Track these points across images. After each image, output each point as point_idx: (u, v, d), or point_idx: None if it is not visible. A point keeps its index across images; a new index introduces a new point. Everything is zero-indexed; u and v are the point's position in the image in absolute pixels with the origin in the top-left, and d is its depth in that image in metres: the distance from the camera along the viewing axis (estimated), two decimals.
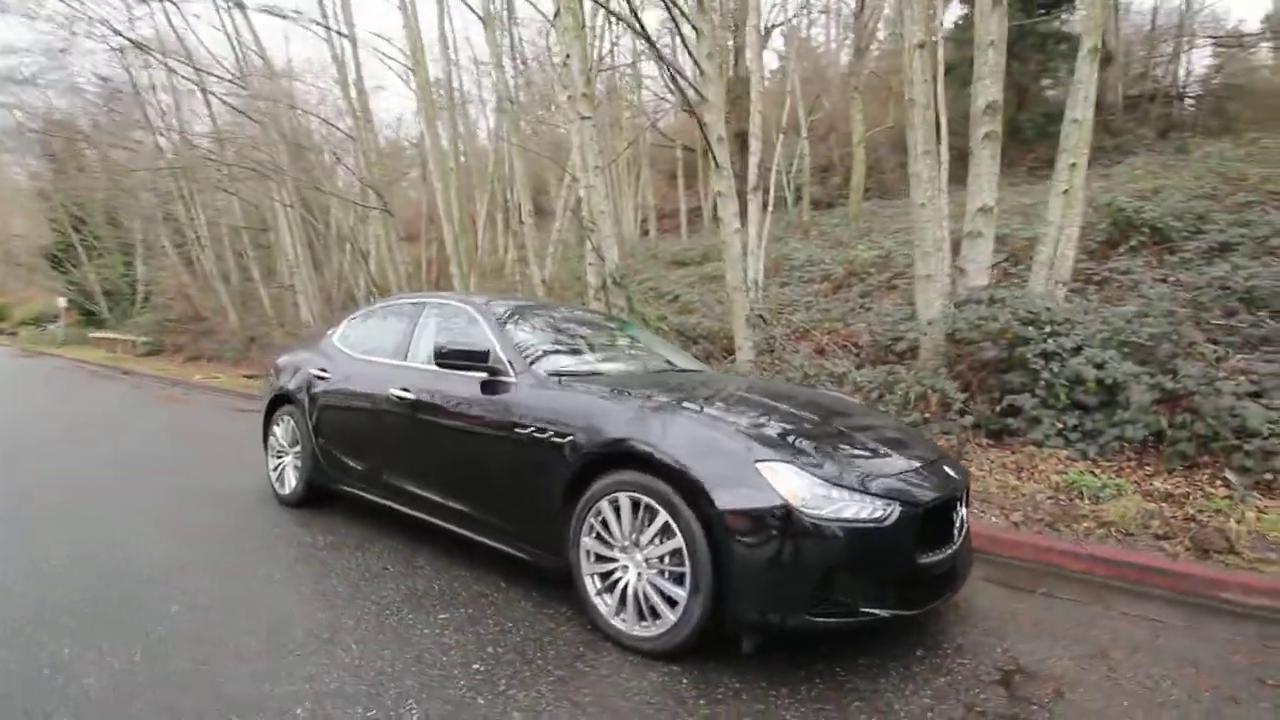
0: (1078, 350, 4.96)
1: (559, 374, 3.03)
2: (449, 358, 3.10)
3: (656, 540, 2.37)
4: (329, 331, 4.48)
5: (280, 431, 4.37)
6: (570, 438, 2.63)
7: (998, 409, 5.19)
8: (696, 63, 6.97)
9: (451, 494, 3.15)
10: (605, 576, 2.54)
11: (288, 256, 15.48)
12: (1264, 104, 20.55)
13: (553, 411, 2.75)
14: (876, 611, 2.21)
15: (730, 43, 21.06)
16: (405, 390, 3.43)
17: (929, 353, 6.38)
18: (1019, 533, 3.68)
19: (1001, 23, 5.99)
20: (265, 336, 15.64)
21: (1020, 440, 4.95)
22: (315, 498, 4.16)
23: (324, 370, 4.09)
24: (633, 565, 2.46)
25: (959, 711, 2.11)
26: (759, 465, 2.23)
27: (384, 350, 3.86)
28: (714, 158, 7.18)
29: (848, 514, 2.17)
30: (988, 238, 6.40)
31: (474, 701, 2.09)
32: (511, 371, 3.05)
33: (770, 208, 10.98)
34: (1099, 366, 4.69)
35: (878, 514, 2.20)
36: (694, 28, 6.95)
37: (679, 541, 2.29)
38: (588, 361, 3.41)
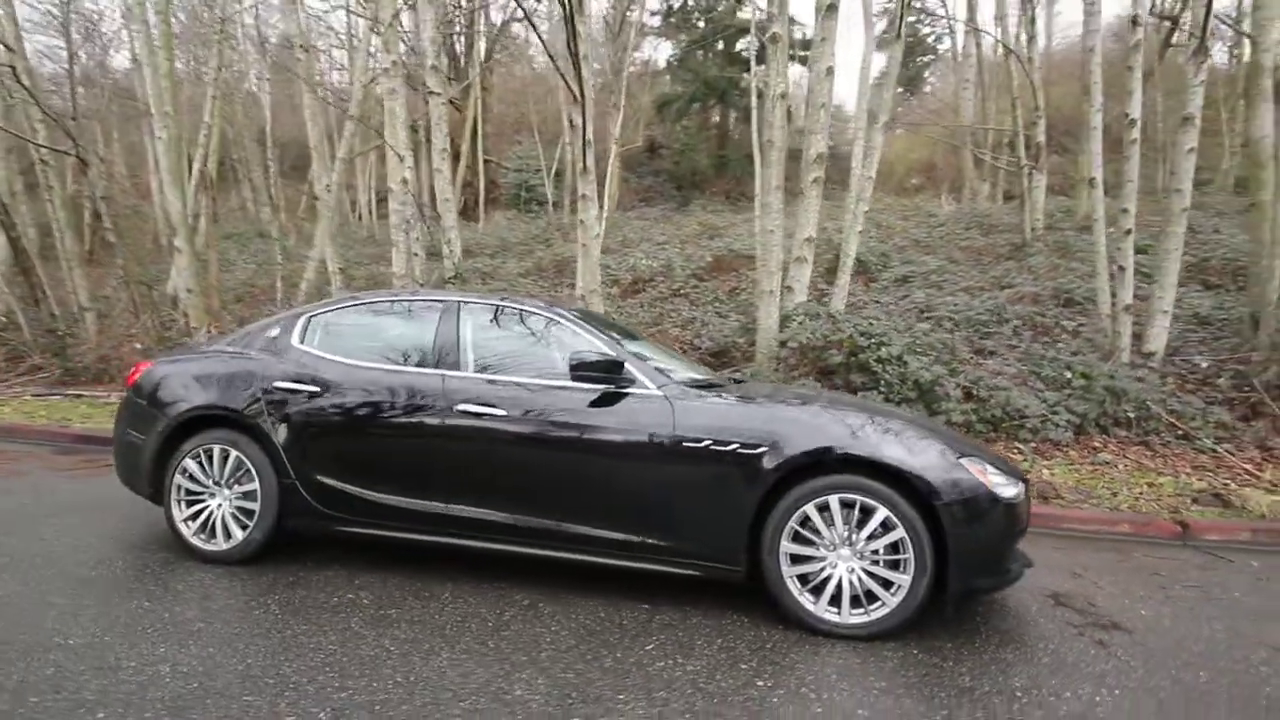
0: (900, 357, 6.47)
1: (694, 385, 3.04)
2: (585, 369, 2.86)
3: (872, 535, 2.65)
4: (269, 332, 3.47)
5: (197, 468, 3.27)
6: (763, 448, 2.72)
7: None
8: (575, 62, 6.94)
9: (577, 520, 2.89)
10: (804, 578, 2.71)
11: None
12: (840, 163, 27.91)
13: (735, 423, 2.80)
14: (1015, 568, 2.86)
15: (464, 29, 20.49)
16: (488, 406, 2.98)
17: (764, 357, 7.50)
18: None
19: (832, 89, 7.37)
20: None
21: None
22: (266, 549, 3.24)
23: (300, 382, 3.21)
24: (841, 561, 2.69)
25: (1058, 623, 2.89)
26: (962, 461, 2.69)
27: (410, 358, 3.23)
28: (583, 160, 7.23)
29: (1009, 493, 2.76)
30: (809, 262, 7.77)
31: (820, 714, 2.13)
32: (650, 384, 2.95)
33: (605, 211, 11.25)
34: (927, 369, 6.23)
35: (1018, 490, 2.84)
36: (571, 26, 6.90)
37: (900, 533, 2.62)
38: (672, 369, 3.40)
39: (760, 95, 22.18)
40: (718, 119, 24.98)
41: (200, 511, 3.27)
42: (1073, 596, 3.24)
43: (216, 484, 3.27)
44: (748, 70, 23.93)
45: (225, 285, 12.32)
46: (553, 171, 17.98)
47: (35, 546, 3.40)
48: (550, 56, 7.33)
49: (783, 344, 7.19)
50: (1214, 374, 6.47)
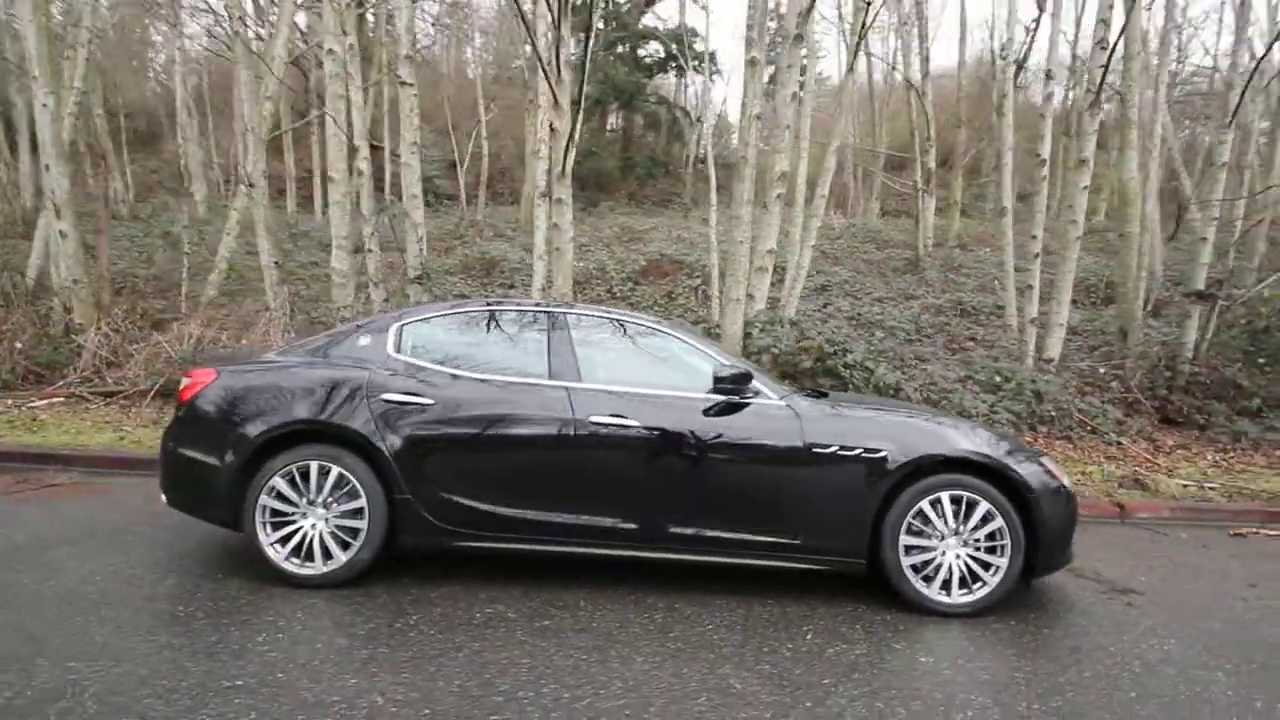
0: (863, 363, 7.14)
1: (815, 394, 3.33)
2: (724, 381, 3.04)
3: (976, 524, 3.06)
4: (358, 341, 3.29)
5: (288, 486, 3.05)
6: (884, 451, 3.06)
7: None
8: (558, 66, 6.92)
9: (712, 524, 3.07)
10: (915, 566, 3.07)
11: None
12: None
13: (857, 428, 3.12)
14: (1071, 550, 3.39)
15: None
16: (619, 416, 3.07)
17: None
18: None
19: (797, 112, 7.91)
20: None
21: None
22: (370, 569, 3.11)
23: (413, 394, 3.10)
24: (949, 549, 3.08)
25: (1090, 592, 3.48)
26: (1042, 460, 3.18)
27: (523, 369, 3.23)
28: (563, 165, 7.24)
29: (1067, 483, 3.30)
30: (769, 272, 8.29)
31: (987, 680, 2.48)
32: (773, 394, 3.19)
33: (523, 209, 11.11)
34: (890, 374, 6.93)
35: (1070, 482, 3.39)
36: (555, 24, 6.87)
37: (999, 522, 3.05)
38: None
39: (687, 114, 22.92)
40: (621, 122, 25.32)
41: (291, 534, 3.05)
42: (1084, 570, 3.86)
43: (310, 503, 3.06)
44: (650, 76, 24.52)
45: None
46: (464, 164, 17.40)
47: (77, 586, 2.99)
48: (540, 61, 7.26)
49: (760, 350, 7.62)
50: (1106, 377, 7.74)
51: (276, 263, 8.29)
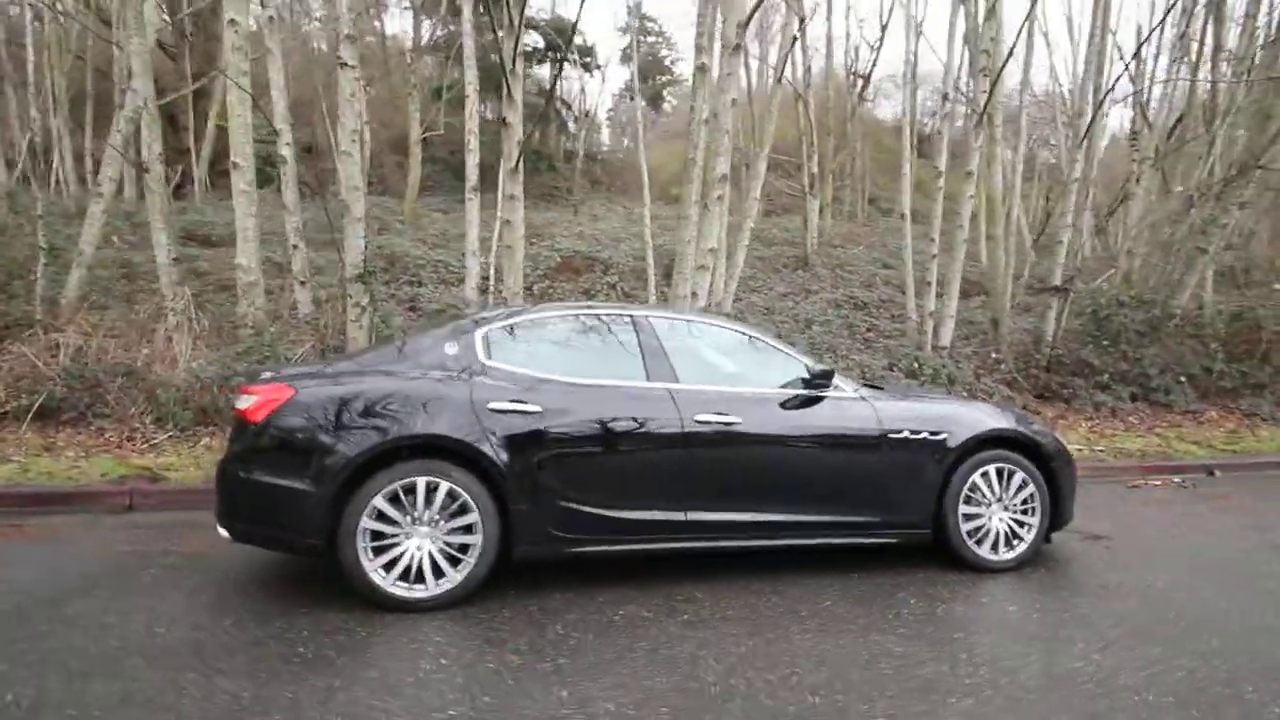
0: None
1: (869, 387, 3.69)
2: (817, 378, 3.31)
3: (1015, 491, 3.59)
4: (444, 349, 3.13)
5: (390, 506, 2.88)
6: (944, 434, 3.48)
7: None
8: (514, 59, 6.75)
9: (811, 509, 3.33)
10: (971, 532, 3.54)
11: None
12: (612, 170, 29.93)
13: (919, 414, 3.52)
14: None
15: None
16: (723, 414, 3.22)
17: None
18: None
19: (736, 118, 8.32)
20: None
21: None
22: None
23: (520, 402, 3.03)
24: (994, 514, 3.58)
25: (1073, 541, 4.16)
26: (1055, 432, 3.78)
27: (623, 373, 3.28)
28: (514, 160, 7.10)
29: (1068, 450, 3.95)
30: (709, 270, 8.68)
31: (1066, 619, 2.96)
32: (847, 388, 3.51)
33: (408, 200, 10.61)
34: (833, 364, 7.57)
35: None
36: (509, 20, 6.69)
37: (1032, 488, 3.60)
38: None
39: (570, 107, 22.56)
40: (500, 113, 24.66)
41: (404, 554, 2.86)
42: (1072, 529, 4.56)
43: (414, 522, 2.89)
44: (529, 66, 24.10)
45: None
46: (339, 148, 16.10)
47: (146, 641, 2.60)
48: (500, 57, 7.00)
49: None
50: (995, 361, 9.01)
51: (175, 259, 7.27)
